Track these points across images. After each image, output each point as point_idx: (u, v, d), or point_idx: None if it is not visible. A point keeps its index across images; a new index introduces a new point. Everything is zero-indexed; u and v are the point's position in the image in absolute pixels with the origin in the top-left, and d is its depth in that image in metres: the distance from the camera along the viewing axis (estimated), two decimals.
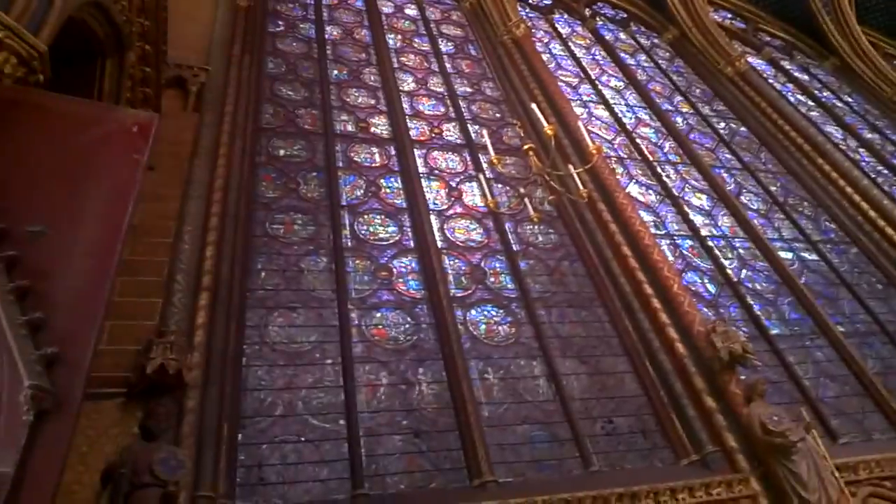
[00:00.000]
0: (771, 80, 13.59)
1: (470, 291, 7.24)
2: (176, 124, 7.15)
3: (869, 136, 13.01)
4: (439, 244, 7.71)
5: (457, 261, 7.63)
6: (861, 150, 12.35)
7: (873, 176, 11.15)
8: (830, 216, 10.17)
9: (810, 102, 13.59)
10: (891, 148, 12.79)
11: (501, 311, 7.13)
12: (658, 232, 8.69)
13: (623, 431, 6.11)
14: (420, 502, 4.74)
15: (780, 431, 5.73)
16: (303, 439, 5.34)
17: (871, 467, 6.15)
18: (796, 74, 14.68)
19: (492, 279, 7.53)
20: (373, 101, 10.18)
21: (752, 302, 8.16)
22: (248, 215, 7.29)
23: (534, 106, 7.13)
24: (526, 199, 7.64)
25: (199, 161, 7.01)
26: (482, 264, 7.70)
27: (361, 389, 5.81)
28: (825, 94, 14.27)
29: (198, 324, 5.55)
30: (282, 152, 8.59)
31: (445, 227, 8.11)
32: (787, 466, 5.59)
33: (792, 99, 13.20)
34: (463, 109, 10.57)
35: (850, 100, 14.37)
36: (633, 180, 9.81)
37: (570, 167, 6.71)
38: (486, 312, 7.05)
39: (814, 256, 9.39)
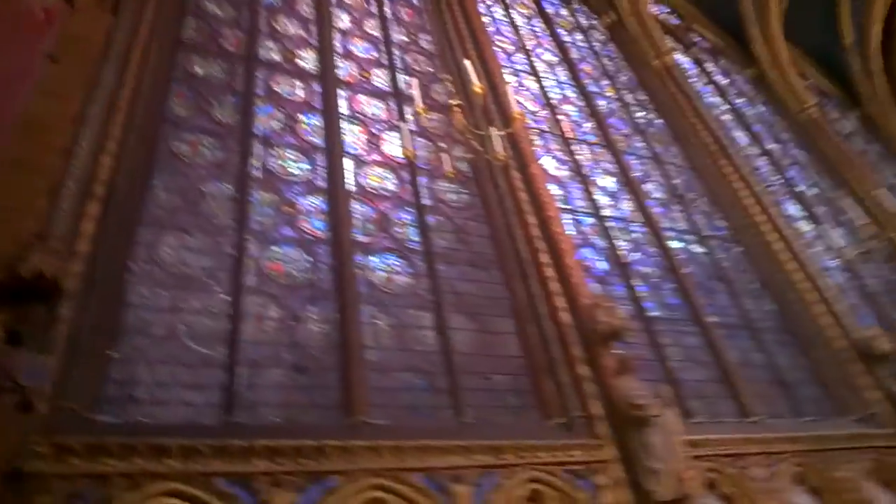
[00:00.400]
0: (693, 79, 14.18)
1: (374, 239, 7.29)
2: (89, 21, 6.64)
3: (770, 146, 13.90)
4: (351, 188, 7.69)
5: (366, 207, 7.64)
6: (762, 158, 13.19)
7: (766, 184, 11.97)
8: (723, 215, 10.84)
9: (724, 106, 14.31)
10: (787, 161, 13.74)
11: (402, 261, 7.23)
12: (563, 206, 9.01)
13: (498, 388, 6.42)
14: (289, 435, 4.80)
15: (640, 405, 6.19)
16: (180, 362, 5.27)
17: (714, 445, 6.75)
18: (717, 77, 15.38)
19: (398, 230, 7.60)
20: (304, 34, 9.87)
21: (637, 284, 8.66)
22: (154, 130, 6.98)
23: (468, 62, 7.19)
24: (444, 156, 7.76)
25: (108, 65, 6.57)
26: (391, 214, 7.75)
27: (248, 320, 5.77)
28: (740, 100, 15.05)
29: (84, 232, 5.30)
30: (199, 71, 8.23)
31: (360, 172, 8.08)
32: (642, 438, 6.04)
33: (708, 100, 13.85)
34: (395, 57, 10.44)
35: (762, 109, 15.24)
36: (549, 153, 10.08)
37: (492, 129, 6.83)
38: (386, 261, 7.13)
39: (701, 249, 10.05)
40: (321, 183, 7.57)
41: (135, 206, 6.10)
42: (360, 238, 7.18)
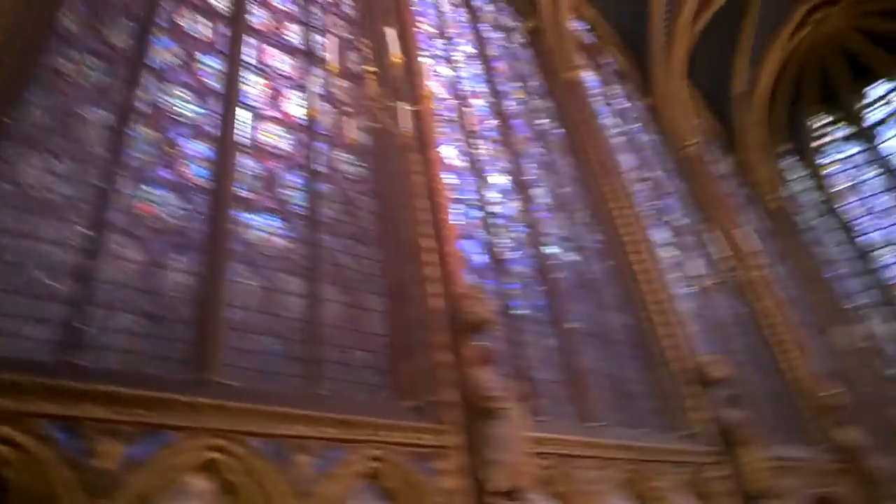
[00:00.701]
0: (596, 98, 14.85)
1: (258, 196, 7.11)
2: None
3: (653, 173, 14.90)
4: (242, 141, 7.44)
5: (255, 163, 7.43)
6: (643, 182, 14.11)
7: (642, 207, 12.82)
8: (600, 229, 11.50)
9: (619, 128, 15.14)
10: (665, 190, 14.81)
11: (284, 224, 7.12)
12: (455, 196, 9.21)
13: (359, 364, 6.50)
14: (131, 383, 4.61)
15: (491, 397, 6.46)
16: (24, 292, 4.92)
17: (554, 444, 7.12)
18: (618, 100, 16.23)
19: (285, 192, 7.45)
20: None
21: (510, 281, 9.06)
22: (38, 40, 6.37)
23: (389, 30, 7.11)
24: (347, 123, 7.69)
25: None
26: (280, 174, 7.58)
27: (106, 258, 5.47)
28: (634, 126, 15.99)
29: None
30: None
31: (255, 126, 7.82)
32: (488, 428, 6.26)
33: (605, 120, 14.58)
34: (314, 15, 10.16)
35: (653, 138, 16.27)
36: (450, 142, 10.24)
37: (402, 104, 6.83)
38: (267, 221, 6.99)
39: (575, 258, 10.64)
40: (211, 129, 7.24)
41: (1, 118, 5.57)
42: (243, 193, 6.98)
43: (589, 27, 17.16)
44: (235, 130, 7.36)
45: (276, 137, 7.94)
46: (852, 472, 11.25)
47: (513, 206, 10.45)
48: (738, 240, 14.50)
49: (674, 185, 15.47)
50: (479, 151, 10.73)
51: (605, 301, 10.43)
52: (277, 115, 8.24)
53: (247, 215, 6.85)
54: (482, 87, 12.27)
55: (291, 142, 8.05)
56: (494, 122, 11.72)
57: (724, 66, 19.51)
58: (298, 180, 7.70)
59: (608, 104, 15.69)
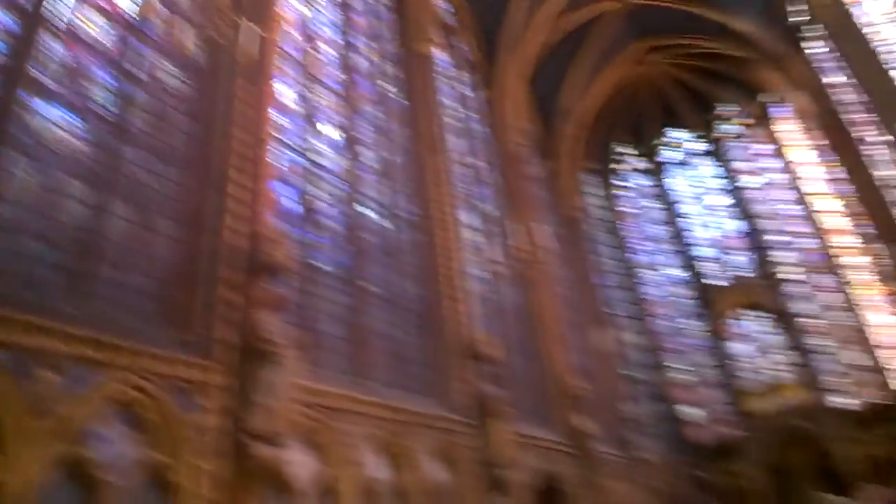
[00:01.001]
0: (445, 79, 15.34)
1: (58, 85, 6.36)
2: None
3: (478, 161, 15.83)
4: (53, 20, 6.56)
5: (66, 50, 6.63)
6: (467, 168, 14.95)
7: (458, 190, 13.58)
8: (416, 202, 12.02)
9: (458, 112, 15.80)
10: (484, 179, 15.81)
11: (84, 124, 6.50)
12: (280, 137, 9.07)
13: (136, 288, 6.20)
14: None
15: (270, 341, 6.55)
16: None
17: (323, 396, 7.43)
18: (464, 86, 16.90)
19: (91, 88, 6.77)
20: None
21: (319, 234, 9.19)
22: None
23: None
24: (183, 33, 7.12)
25: None
26: (91, 68, 6.87)
27: None
28: (473, 114, 16.78)
29: None
30: None
31: (74, 8, 6.93)
32: (260, 372, 6.31)
33: (448, 101, 15.13)
34: None
35: (485, 130, 17.21)
36: (288, 81, 10.01)
37: (249, 24, 6.47)
38: (63, 115, 6.33)
39: (388, 224, 11.04)
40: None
41: None
42: (41, 77, 6.24)
43: (453, 10, 17.51)
44: (46, 6, 6.52)
45: (95, 28, 7.15)
46: (579, 454, 13.19)
47: (338, 162, 10.52)
48: (534, 236, 15.99)
49: (492, 176, 16.54)
50: (317, 99, 10.61)
51: (404, 270, 10.96)
52: (103, 3, 7.41)
53: (39, 101, 6.14)
54: (335, 37, 12.06)
55: (113, 37, 7.30)
56: (339, 75, 11.61)
57: (561, 81, 21.07)
58: (110, 80, 7.04)
59: (452, 87, 16.25)
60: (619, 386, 18.64)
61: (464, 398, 10.17)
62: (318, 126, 10.41)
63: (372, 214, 10.82)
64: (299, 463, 6.83)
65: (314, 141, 10.10)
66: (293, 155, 9.46)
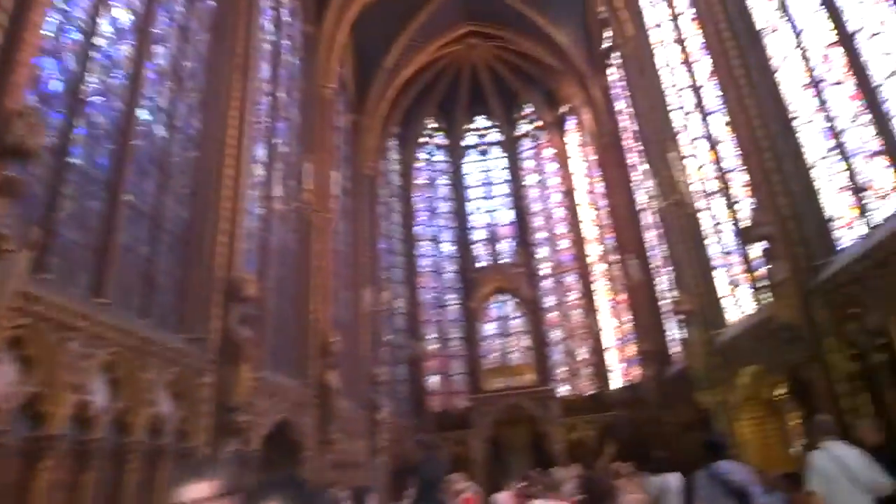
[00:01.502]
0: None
1: None
2: None
3: (283, 95, 15.06)
4: None
5: None
6: (267, 98, 14.13)
7: (257, 120, 12.78)
8: (202, 119, 11.04)
9: (272, 37, 14.85)
10: (285, 114, 15.10)
11: None
12: (58, 5, 7.65)
13: None
14: None
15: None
16: None
17: (47, 306, 6.51)
18: (285, 14, 15.93)
19: None
20: None
21: (78, 124, 7.96)
22: None
23: None
24: None
25: None
26: None
27: None
28: (289, 44, 15.89)
29: None
30: None
31: None
32: None
33: (268, 25, 14.13)
34: None
35: (298, 65, 16.40)
36: None
37: None
38: None
39: (163, 133, 9.97)
40: None
41: None
42: None
43: None
44: None
45: None
46: (320, 407, 13.36)
47: (122, 49, 9.21)
48: (325, 185, 15.73)
49: (294, 113, 15.86)
50: None
51: (172, 188, 10.01)
52: None
53: None
54: None
55: None
56: None
57: (386, 40, 20.88)
58: None
59: (275, 8, 15.19)
60: (375, 347, 19.29)
61: (212, 335, 9.65)
62: (111, 4, 8.98)
63: (147, 117, 9.67)
64: None
65: (102, 21, 8.68)
66: (70, 28, 8.04)
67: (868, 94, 7.48)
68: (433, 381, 23.28)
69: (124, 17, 9.46)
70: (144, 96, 9.55)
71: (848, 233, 8.34)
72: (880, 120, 7.30)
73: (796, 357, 8.65)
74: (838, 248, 8.45)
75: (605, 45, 20.01)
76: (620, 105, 19.83)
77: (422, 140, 26.91)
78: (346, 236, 19.19)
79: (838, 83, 8.24)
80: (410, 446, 19.10)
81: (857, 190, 8.00)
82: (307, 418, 13.03)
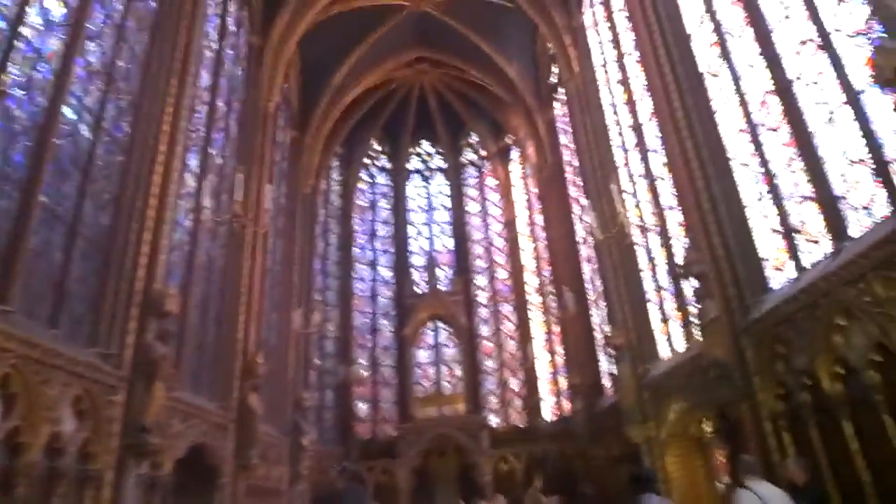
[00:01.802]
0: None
1: None
2: None
3: (219, 103, 14.54)
4: None
5: None
6: (204, 106, 13.60)
7: (191, 127, 12.21)
8: (133, 122, 10.43)
9: (215, 45, 14.38)
10: (222, 125, 14.56)
11: None
12: None
13: None
14: None
15: None
16: None
17: None
18: (232, 20, 15.50)
19: None
20: None
21: None
22: None
23: None
24: None
25: None
26: None
27: None
28: (232, 53, 15.43)
29: None
30: None
31: None
32: None
33: (209, 29, 13.66)
34: None
35: (241, 75, 15.94)
36: None
37: None
38: None
39: (87, 134, 9.33)
40: None
41: None
42: None
43: None
44: None
45: None
46: (240, 430, 12.66)
47: (52, 42, 8.58)
48: (261, 201, 15.18)
49: (233, 125, 15.34)
50: None
51: (93, 192, 9.33)
52: None
53: None
54: None
55: None
56: None
57: (335, 58, 20.63)
58: None
59: (220, 16, 14.75)
60: (303, 371, 18.64)
61: (127, 350, 8.96)
62: None
63: (72, 116, 9.03)
64: None
65: (28, 8, 8.04)
66: None
67: (802, 140, 7.75)
68: (362, 407, 22.65)
69: (56, 9, 8.88)
70: (71, 93, 8.92)
71: (779, 274, 8.57)
72: (813, 166, 7.56)
73: (725, 394, 8.76)
74: (769, 289, 8.66)
75: (553, 80, 20.41)
76: (564, 140, 20.17)
77: (366, 161, 26.62)
78: (280, 255, 18.60)
79: (774, 129, 8.52)
80: (333, 474, 18.43)
81: (789, 233, 8.23)
82: (226, 442, 12.33)
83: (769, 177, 8.65)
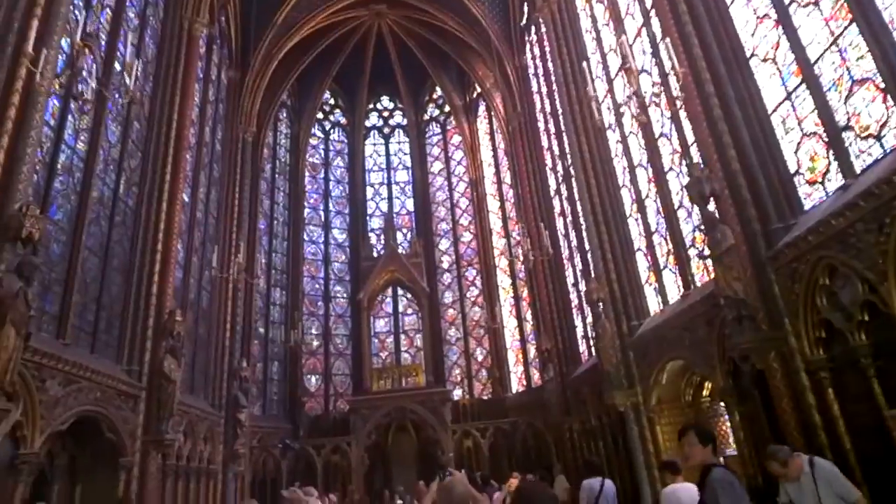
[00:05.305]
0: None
1: None
2: None
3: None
4: None
5: None
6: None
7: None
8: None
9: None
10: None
11: None
12: None
13: None
14: None
15: None
16: None
17: None
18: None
19: None
20: None
21: None
22: None
23: None
24: None
25: None
26: None
27: None
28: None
29: None
30: None
31: None
32: None
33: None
34: None
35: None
36: None
37: None
38: None
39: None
40: None
41: None
42: None
43: None
44: None
45: None
46: (150, 398, 10.53)
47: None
48: (185, 125, 13.01)
49: (150, 47, 12.99)
50: None
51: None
52: None
53: None
54: None
55: None
56: None
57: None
58: None
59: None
60: (242, 338, 16.50)
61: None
62: None
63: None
64: None
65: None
66: None
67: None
68: (312, 381, 20.56)
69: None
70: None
71: (814, 192, 6.77)
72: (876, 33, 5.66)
73: (743, 341, 6.92)
74: (802, 209, 6.87)
75: (524, 22, 18.32)
76: (536, 87, 18.12)
77: (319, 116, 24.24)
78: (216, 208, 16.32)
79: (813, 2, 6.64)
80: (280, 451, 16.48)
81: (837, 133, 6.38)
82: (134, 415, 10.19)
83: (803, 66, 6.77)
